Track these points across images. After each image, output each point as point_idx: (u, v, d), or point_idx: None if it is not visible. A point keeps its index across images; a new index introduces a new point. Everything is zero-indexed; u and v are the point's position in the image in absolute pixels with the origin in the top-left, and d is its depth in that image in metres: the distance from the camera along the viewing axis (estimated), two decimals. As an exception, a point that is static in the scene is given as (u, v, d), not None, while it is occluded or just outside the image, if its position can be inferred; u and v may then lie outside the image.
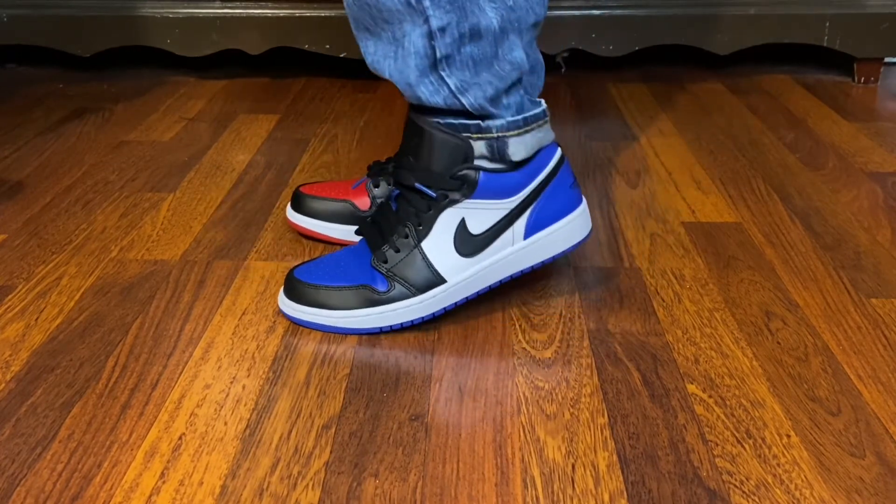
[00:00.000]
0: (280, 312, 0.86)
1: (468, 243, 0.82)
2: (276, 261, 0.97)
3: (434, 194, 0.80)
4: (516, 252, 0.84)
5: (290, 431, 0.70)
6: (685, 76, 1.65)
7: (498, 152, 0.80)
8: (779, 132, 1.38)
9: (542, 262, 0.85)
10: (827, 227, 1.05)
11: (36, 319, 0.85)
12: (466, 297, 0.84)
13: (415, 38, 0.76)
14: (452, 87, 0.78)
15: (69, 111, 1.48)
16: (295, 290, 0.83)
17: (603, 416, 0.71)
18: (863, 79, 1.65)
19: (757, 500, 0.63)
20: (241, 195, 1.14)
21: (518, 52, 0.80)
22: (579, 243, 0.86)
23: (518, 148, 0.81)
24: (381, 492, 0.63)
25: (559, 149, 0.85)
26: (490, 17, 0.77)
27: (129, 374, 0.77)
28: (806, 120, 1.44)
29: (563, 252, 0.85)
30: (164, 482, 0.64)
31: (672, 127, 1.40)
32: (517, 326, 0.84)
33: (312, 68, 1.72)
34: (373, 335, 0.83)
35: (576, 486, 0.64)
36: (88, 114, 1.47)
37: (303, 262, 0.87)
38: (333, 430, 0.70)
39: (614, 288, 0.91)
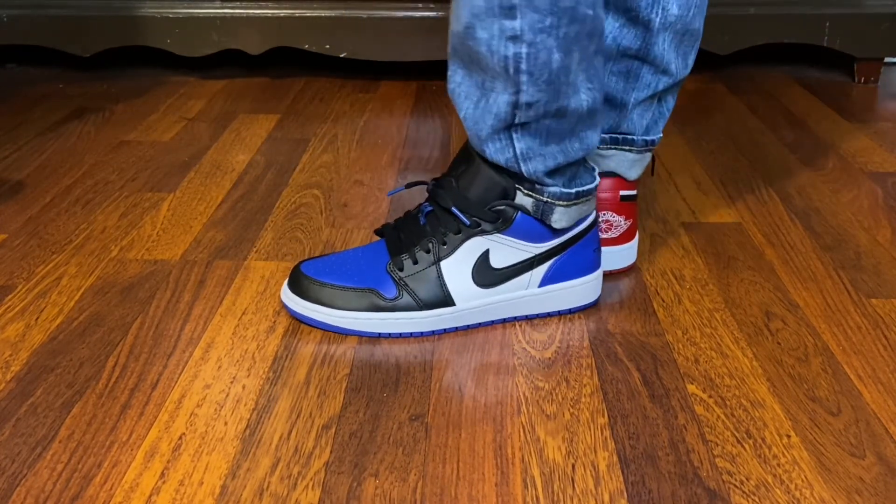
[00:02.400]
0: (280, 311, 0.86)
1: (486, 275, 0.82)
2: (276, 261, 0.97)
3: (468, 221, 0.81)
4: (528, 297, 0.84)
5: (290, 431, 0.70)
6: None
7: (541, 214, 0.81)
8: (779, 132, 1.38)
9: (548, 313, 0.86)
10: (827, 227, 1.05)
11: (36, 319, 0.85)
12: (468, 325, 0.84)
13: (501, 100, 0.75)
14: (518, 151, 0.78)
15: (69, 111, 1.48)
16: (300, 285, 0.83)
17: (603, 416, 0.71)
18: (863, 79, 1.65)
19: (757, 500, 0.63)
20: (241, 195, 1.14)
21: (593, 135, 0.80)
22: (586, 305, 0.87)
23: (561, 217, 0.82)
24: (381, 492, 0.63)
25: (595, 213, 0.86)
26: (582, 100, 0.77)
27: (129, 374, 0.77)
28: (806, 120, 1.44)
29: (570, 310, 0.86)
30: (164, 482, 0.64)
31: (672, 127, 1.40)
32: (517, 326, 0.84)
33: (312, 68, 1.72)
34: (373, 336, 0.83)
35: (576, 486, 0.64)
36: (88, 114, 1.47)
37: (311, 258, 0.87)
38: (333, 430, 0.70)
39: (614, 288, 0.91)
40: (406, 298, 0.82)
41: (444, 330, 0.83)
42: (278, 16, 1.59)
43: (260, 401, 0.73)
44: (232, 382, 0.76)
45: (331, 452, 0.67)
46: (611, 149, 0.90)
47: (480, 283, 0.83)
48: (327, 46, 1.60)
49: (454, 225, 0.81)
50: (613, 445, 0.68)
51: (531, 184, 0.80)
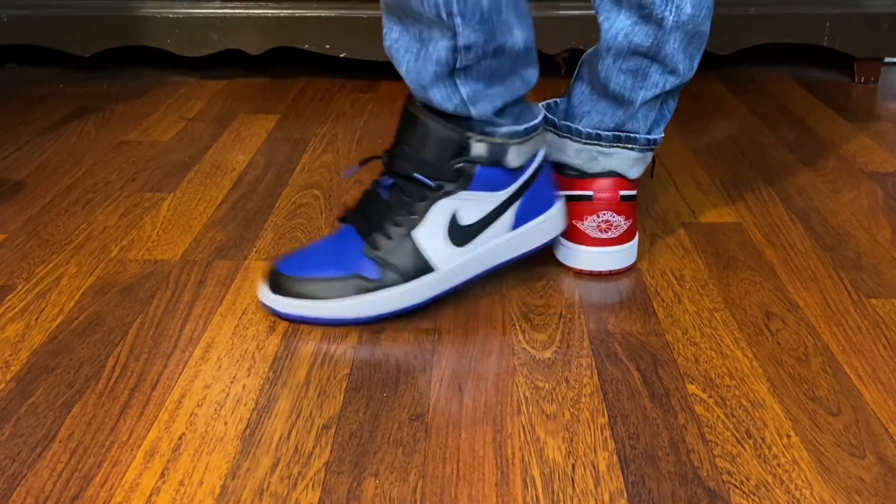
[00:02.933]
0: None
1: (459, 233, 0.84)
2: (276, 261, 0.96)
3: (432, 184, 0.82)
4: (503, 243, 0.87)
5: (290, 431, 0.70)
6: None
7: (496, 157, 0.83)
8: (779, 132, 1.38)
9: (525, 253, 0.89)
10: (827, 227, 1.05)
11: (36, 319, 0.85)
12: (454, 286, 0.85)
13: (440, 47, 0.78)
14: (464, 96, 0.80)
15: (69, 111, 1.48)
16: (281, 285, 0.83)
17: (603, 416, 0.71)
18: (863, 79, 1.65)
19: (757, 500, 0.63)
20: (241, 195, 1.14)
21: (533, 72, 0.84)
22: (555, 237, 0.91)
23: (516, 155, 0.84)
24: (381, 492, 0.63)
25: (544, 149, 0.88)
26: (517, 38, 0.80)
27: (129, 374, 0.77)
28: (806, 120, 1.44)
29: (544, 244, 0.90)
30: (164, 482, 0.64)
31: (672, 127, 1.40)
32: (517, 326, 0.84)
33: (312, 68, 1.72)
34: (374, 334, 0.83)
35: (576, 486, 0.64)
36: (88, 114, 1.47)
37: (282, 257, 0.87)
38: (333, 430, 0.70)
39: (614, 288, 0.91)
40: (390, 275, 0.83)
41: (434, 296, 0.85)
42: (278, 16, 1.59)
43: (260, 401, 0.73)
44: (232, 382, 0.76)
45: (331, 452, 0.67)
46: (614, 147, 0.91)
47: (456, 243, 0.84)
48: (327, 46, 1.60)
49: (418, 192, 0.82)
50: (613, 445, 0.68)
51: (482, 127, 0.81)
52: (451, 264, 0.84)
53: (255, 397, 0.74)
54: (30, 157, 1.27)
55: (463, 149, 0.81)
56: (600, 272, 0.94)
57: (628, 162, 0.91)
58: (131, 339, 0.82)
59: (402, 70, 0.81)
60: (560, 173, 0.95)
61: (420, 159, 0.82)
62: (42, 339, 0.82)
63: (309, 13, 1.59)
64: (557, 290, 0.91)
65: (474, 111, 0.81)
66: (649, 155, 0.93)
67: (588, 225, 0.92)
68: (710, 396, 0.74)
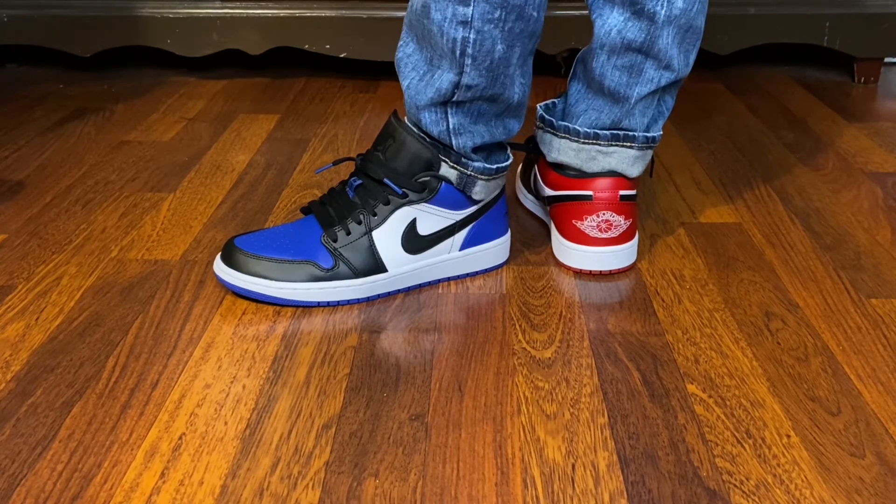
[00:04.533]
0: (280, 311, 0.86)
1: (414, 241, 0.89)
2: (276, 261, 0.96)
3: (399, 191, 0.86)
4: (451, 260, 0.92)
5: (290, 431, 0.70)
6: (686, 77, 1.65)
7: (464, 187, 0.88)
8: (779, 132, 1.38)
9: (468, 274, 0.93)
10: (827, 227, 1.05)
11: (36, 319, 0.85)
12: (399, 290, 0.90)
13: (445, 78, 0.82)
14: (451, 126, 0.85)
15: (69, 111, 1.48)
16: (235, 259, 0.87)
17: (603, 416, 0.71)
18: (863, 79, 1.65)
19: (757, 500, 0.63)
20: (241, 195, 1.14)
21: (516, 124, 0.89)
22: (498, 266, 0.95)
23: (481, 190, 0.89)
24: (381, 492, 0.63)
25: (504, 184, 0.94)
26: (515, 92, 0.85)
27: (130, 373, 0.77)
28: (806, 120, 1.44)
29: (485, 270, 0.94)
30: (164, 482, 0.64)
31: (672, 127, 1.40)
32: (517, 326, 0.84)
33: (312, 68, 1.72)
34: (374, 334, 0.83)
35: (576, 486, 0.64)
36: (88, 114, 1.47)
37: (244, 233, 0.91)
38: (333, 430, 0.70)
39: (614, 288, 0.91)
40: (343, 267, 0.87)
41: (379, 295, 0.89)
42: (278, 16, 1.59)
43: (260, 401, 0.73)
44: (232, 382, 0.76)
45: (331, 452, 0.67)
46: (612, 145, 0.91)
47: (409, 250, 0.89)
48: (327, 46, 1.60)
49: (384, 196, 0.87)
50: (613, 445, 0.68)
51: (458, 157, 0.86)
52: (401, 269, 0.89)
53: (255, 397, 0.74)
54: (30, 157, 1.27)
55: (434, 167, 0.86)
56: (600, 272, 0.94)
57: (628, 160, 0.91)
58: (131, 339, 0.82)
59: (404, 85, 0.86)
60: (560, 173, 0.95)
61: (392, 167, 0.87)
62: (42, 339, 0.82)
63: (309, 13, 1.59)
64: (557, 290, 0.91)
65: (455, 142, 0.85)
66: (649, 153, 0.93)
67: (588, 225, 0.92)
68: (710, 396, 0.74)
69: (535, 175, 1.02)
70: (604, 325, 0.85)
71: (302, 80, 1.67)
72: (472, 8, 0.78)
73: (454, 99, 0.83)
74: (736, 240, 1.02)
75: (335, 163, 0.92)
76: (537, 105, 0.99)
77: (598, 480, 0.64)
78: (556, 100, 0.98)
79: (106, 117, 1.45)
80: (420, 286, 0.91)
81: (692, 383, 0.76)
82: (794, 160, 1.26)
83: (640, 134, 0.91)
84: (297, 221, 0.91)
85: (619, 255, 0.93)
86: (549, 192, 0.97)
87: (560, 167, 0.96)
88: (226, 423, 0.71)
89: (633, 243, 0.94)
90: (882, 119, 1.44)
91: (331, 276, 0.86)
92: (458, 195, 0.89)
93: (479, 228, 0.92)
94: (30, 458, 0.67)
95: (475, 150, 0.87)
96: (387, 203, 0.87)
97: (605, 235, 0.92)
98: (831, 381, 0.76)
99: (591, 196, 0.92)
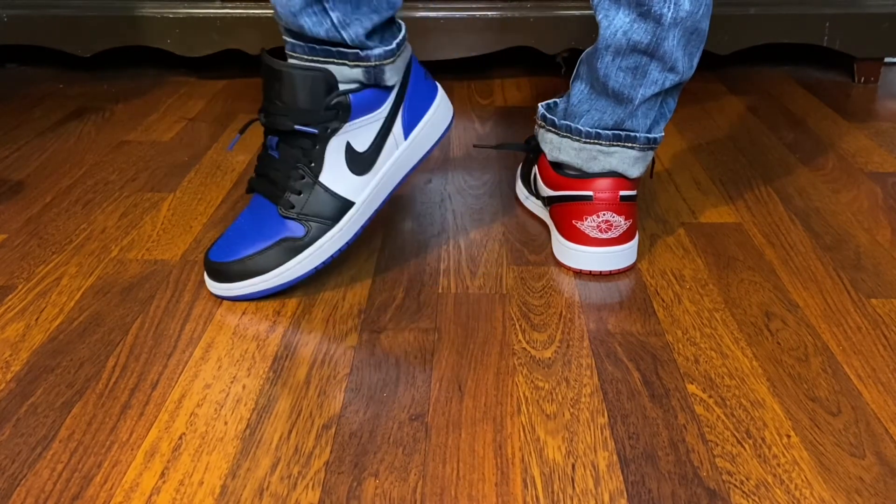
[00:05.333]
0: (280, 311, 0.86)
1: (360, 162, 0.87)
2: (276, 261, 0.96)
3: (315, 130, 0.83)
4: (402, 153, 0.89)
5: (290, 431, 0.70)
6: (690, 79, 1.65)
7: (374, 79, 0.85)
8: (779, 132, 1.38)
9: (428, 151, 0.91)
10: (827, 227, 1.05)
11: (36, 319, 0.85)
12: (377, 209, 0.89)
13: None
14: (334, 20, 0.81)
15: (69, 111, 1.48)
16: (221, 273, 0.86)
17: (603, 416, 0.71)
18: (863, 79, 1.65)
19: (757, 500, 0.63)
20: (242, 195, 1.14)
21: None
22: (449, 126, 0.92)
23: (392, 74, 0.86)
24: (381, 492, 0.63)
25: (410, 52, 0.90)
26: None
27: (130, 374, 0.77)
28: (806, 120, 1.44)
29: (442, 136, 0.91)
30: (164, 482, 0.64)
31: (672, 127, 1.40)
32: (517, 326, 0.84)
33: (312, 68, 1.72)
34: (374, 334, 0.83)
35: (576, 486, 0.64)
36: (88, 114, 1.47)
37: (210, 247, 0.89)
38: (333, 430, 0.70)
39: (614, 288, 0.91)
40: (315, 227, 0.85)
41: (362, 228, 0.88)
42: (278, 16, 1.59)
43: (260, 401, 0.73)
44: (232, 382, 0.76)
45: (331, 452, 0.67)
46: (614, 145, 0.91)
47: (361, 171, 0.87)
48: None
49: (307, 141, 0.84)
50: (613, 445, 0.68)
51: (355, 53, 0.83)
52: (364, 192, 0.87)
53: (255, 397, 0.74)
54: (30, 157, 1.27)
55: (332, 85, 0.83)
56: (600, 272, 0.94)
57: (628, 161, 0.91)
58: (131, 339, 0.82)
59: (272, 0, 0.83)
60: (560, 173, 0.95)
61: (296, 109, 0.82)
62: (42, 339, 0.82)
63: (309, 13, 1.58)
64: (557, 290, 0.91)
65: (346, 35, 0.81)
66: (650, 154, 0.93)
67: (588, 225, 0.92)
68: (710, 396, 0.74)
69: (535, 175, 1.02)
70: (604, 325, 0.85)
71: (302, 80, 1.66)
72: None
73: None
74: (736, 240, 1.02)
75: (241, 131, 0.90)
76: (539, 104, 0.99)
77: (598, 480, 0.64)
78: (557, 99, 0.98)
79: (106, 117, 1.45)
80: (395, 191, 0.89)
81: (692, 383, 0.76)
82: (794, 160, 1.26)
83: (642, 135, 0.91)
84: (249, 206, 0.89)
85: (619, 256, 0.93)
86: (549, 192, 0.97)
87: (560, 167, 0.96)
88: (226, 423, 0.71)
89: (633, 243, 0.94)
90: (882, 119, 1.44)
91: (308, 241, 0.85)
92: (372, 94, 0.85)
93: (410, 107, 0.88)
94: (30, 458, 0.67)
95: (368, 36, 0.83)
96: (314, 146, 0.84)
97: (605, 236, 0.92)
98: (831, 381, 0.76)
99: (591, 196, 0.92)
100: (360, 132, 0.85)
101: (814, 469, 0.66)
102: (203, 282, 0.92)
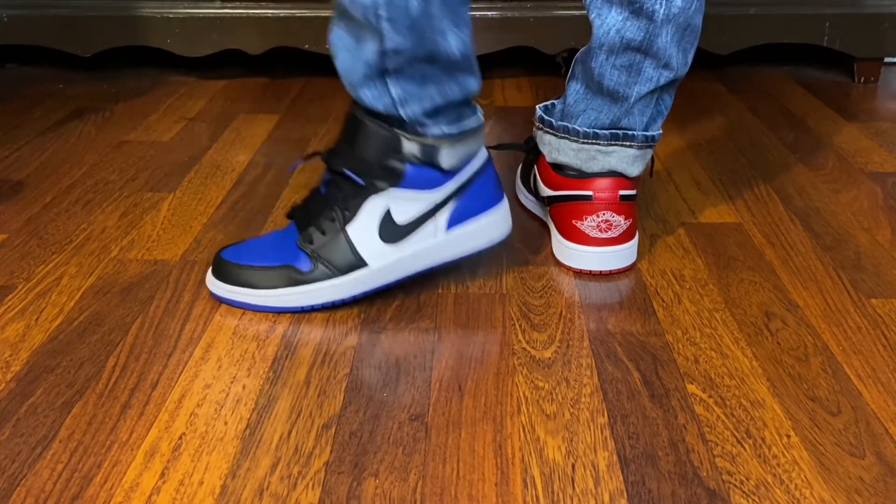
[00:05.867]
0: (282, 311, 0.86)
1: (392, 231, 0.85)
2: (276, 261, 0.96)
3: (362, 181, 0.83)
4: (438, 243, 0.86)
5: (290, 431, 0.70)
6: (685, 76, 1.65)
7: (428, 157, 0.83)
8: (779, 132, 1.38)
9: (463, 255, 0.88)
10: (827, 227, 1.05)
11: (36, 319, 0.85)
12: (387, 283, 0.86)
13: (369, 49, 0.78)
14: (394, 97, 0.80)
15: (69, 111, 1.48)
16: (222, 271, 0.86)
17: (603, 416, 0.71)
18: (863, 79, 1.65)
19: (757, 500, 0.63)
20: (241, 195, 1.14)
21: (472, 81, 0.83)
22: (499, 240, 0.89)
23: (449, 156, 0.84)
24: (381, 492, 0.63)
25: (486, 151, 0.88)
26: (451, 45, 0.79)
27: (130, 374, 0.77)
28: (806, 120, 1.44)
29: (483, 247, 0.88)
30: (164, 482, 0.64)
31: (672, 127, 1.40)
32: (517, 326, 0.84)
33: (312, 68, 1.72)
34: (374, 334, 0.83)
35: (576, 486, 0.64)
36: (88, 114, 1.47)
37: (232, 244, 0.90)
38: (333, 430, 0.70)
39: (614, 288, 0.91)
40: (321, 269, 0.85)
41: (364, 293, 0.86)
42: (278, 16, 1.59)
43: (260, 401, 0.73)
44: (232, 382, 0.76)
45: (331, 452, 0.67)
46: (612, 145, 0.91)
47: (388, 240, 0.85)
48: (327, 46, 1.60)
49: (352, 189, 0.84)
50: (613, 445, 0.68)
51: (413, 128, 0.82)
52: (382, 261, 0.85)
53: (255, 397, 0.74)
54: (30, 157, 1.27)
55: (394, 147, 0.82)
56: (600, 272, 0.94)
57: (627, 160, 0.91)
58: (131, 339, 0.82)
59: (338, 67, 0.82)
60: (559, 173, 0.95)
61: (354, 156, 0.83)
62: (42, 339, 0.82)
63: (309, 13, 1.59)
64: (557, 290, 0.91)
65: (403, 112, 0.81)
66: (648, 152, 0.93)
67: (588, 225, 0.92)
68: (710, 396, 0.74)
69: (535, 175, 1.02)
70: (604, 325, 0.85)
71: (302, 80, 1.67)
72: None
73: (388, 67, 0.78)
74: (736, 240, 1.02)
75: (305, 158, 0.89)
76: (536, 106, 0.99)
77: (598, 480, 0.64)
78: (554, 100, 0.98)
79: (106, 117, 1.45)
80: (411, 276, 0.87)
81: (692, 383, 0.76)
82: (794, 160, 1.26)
83: (640, 133, 0.91)
84: (285, 229, 0.89)
85: (619, 255, 0.93)
86: (548, 192, 0.97)
87: (559, 167, 0.96)
88: (226, 423, 0.71)
89: (633, 243, 0.94)
90: (882, 119, 1.44)
91: (309, 279, 0.84)
92: (428, 172, 0.83)
93: (465, 203, 0.86)
94: (30, 458, 0.67)
95: (428, 115, 0.82)
96: (356, 196, 0.83)
97: (604, 235, 0.92)
98: (831, 381, 0.76)
99: (590, 196, 0.92)
100: (403, 203, 0.84)
101: (814, 469, 0.66)
102: (203, 282, 0.92)
